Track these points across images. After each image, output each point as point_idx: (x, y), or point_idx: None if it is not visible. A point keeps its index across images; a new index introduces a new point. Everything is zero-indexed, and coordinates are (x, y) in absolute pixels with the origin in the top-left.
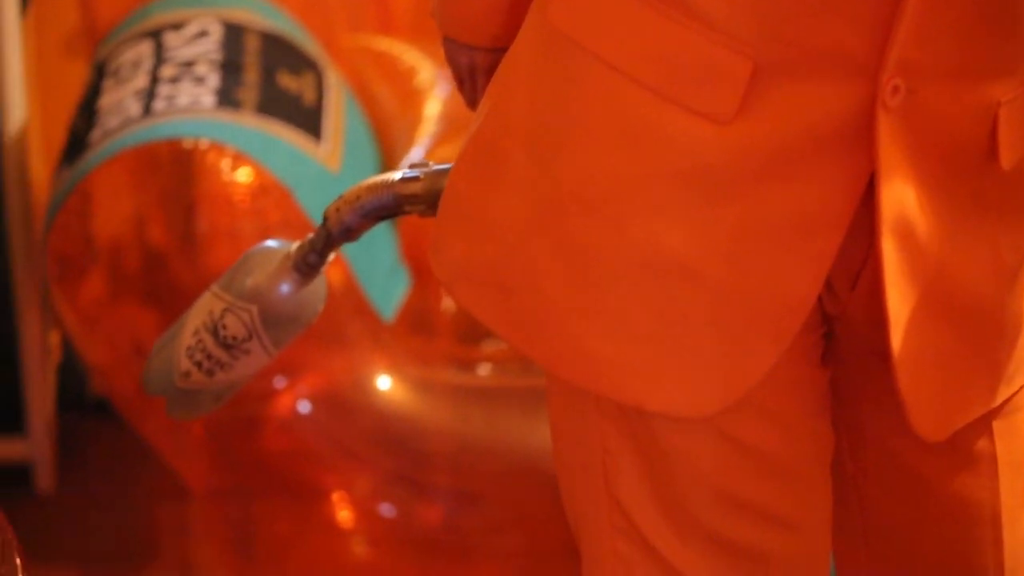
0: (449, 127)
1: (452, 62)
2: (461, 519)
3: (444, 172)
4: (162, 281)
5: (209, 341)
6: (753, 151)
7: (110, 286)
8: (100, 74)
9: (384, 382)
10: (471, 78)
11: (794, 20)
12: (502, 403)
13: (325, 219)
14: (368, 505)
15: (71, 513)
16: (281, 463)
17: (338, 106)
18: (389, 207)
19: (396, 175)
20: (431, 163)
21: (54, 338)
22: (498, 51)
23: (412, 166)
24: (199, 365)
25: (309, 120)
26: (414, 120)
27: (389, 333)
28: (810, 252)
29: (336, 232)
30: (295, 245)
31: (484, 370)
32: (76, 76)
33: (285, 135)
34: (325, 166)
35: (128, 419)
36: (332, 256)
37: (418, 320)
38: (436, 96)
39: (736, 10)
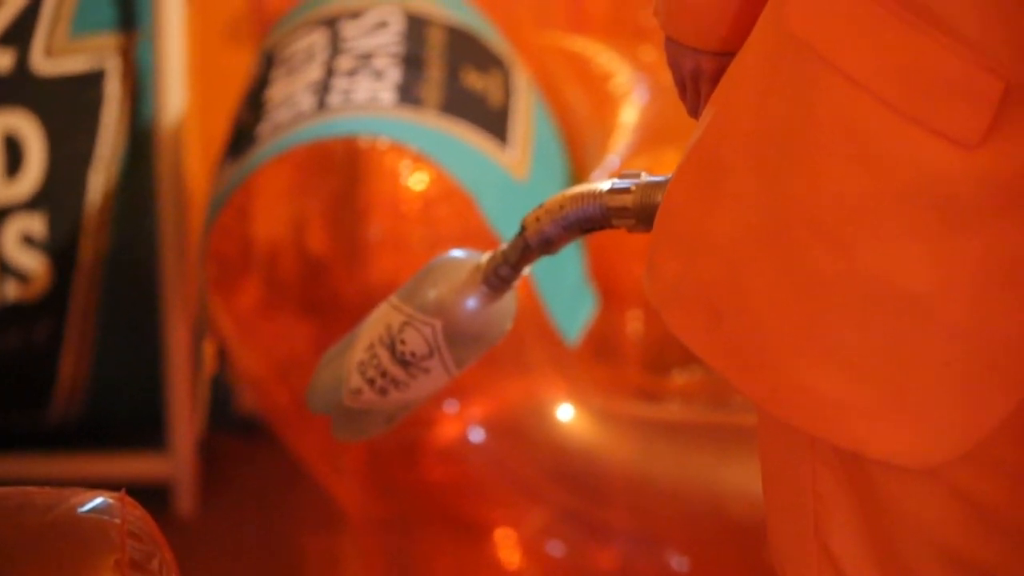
0: (646, 136)
1: (674, 66)
2: (638, 564)
3: (658, 184)
4: (321, 292)
5: (385, 357)
6: (1001, 179)
7: (266, 294)
8: (269, 63)
9: (564, 411)
10: (694, 84)
11: None
12: (691, 440)
13: (523, 228)
14: (536, 544)
15: (213, 539)
16: (445, 494)
17: (527, 109)
18: (595, 219)
19: (604, 185)
20: (643, 173)
21: (208, 348)
22: (726, 55)
23: (622, 175)
24: (371, 382)
25: (495, 123)
26: (608, 128)
27: (572, 359)
28: None
29: (534, 243)
30: (486, 256)
31: (673, 403)
32: (239, 65)
33: (469, 138)
34: (511, 173)
35: (282, 437)
36: (527, 270)
37: (603, 346)
38: (633, 102)
39: (989, 27)
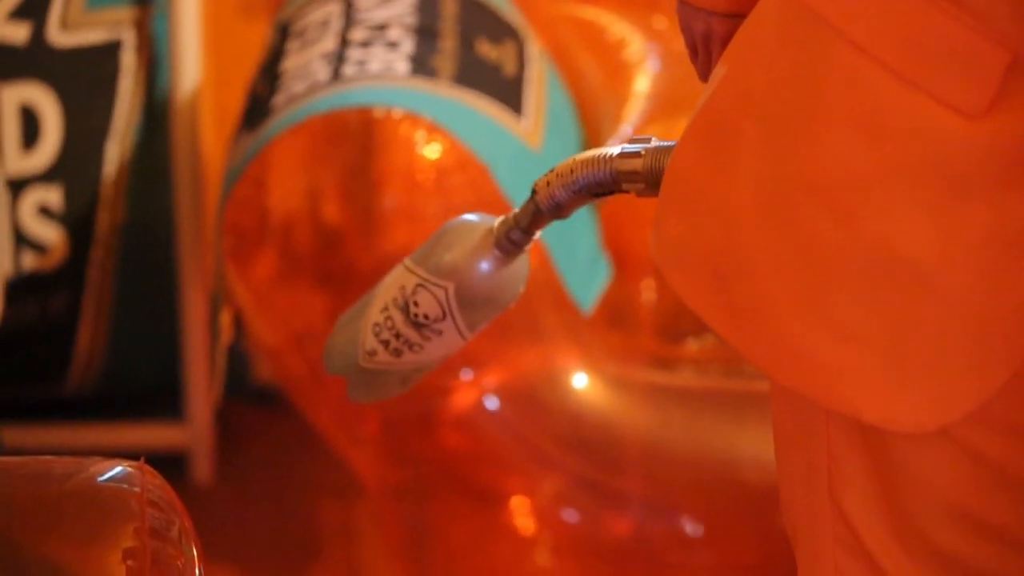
0: (659, 105)
1: (686, 29)
2: (651, 530)
3: (668, 149)
4: (337, 262)
5: (399, 318)
6: (1005, 150)
7: (282, 264)
8: (284, 35)
9: (579, 379)
10: (705, 47)
11: None
12: (704, 407)
13: (533, 192)
14: (551, 511)
15: (229, 507)
16: (461, 462)
17: (540, 79)
18: (605, 183)
19: (615, 149)
20: (653, 138)
21: (225, 318)
22: (737, 17)
23: (632, 140)
24: (386, 344)
25: (509, 93)
26: (622, 97)
27: (586, 327)
28: None
29: (545, 207)
30: (498, 220)
31: (686, 371)
32: (253, 37)
33: (483, 108)
34: (525, 143)
35: (298, 406)
36: (538, 234)
37: (617, 314)
38: (646, 71)
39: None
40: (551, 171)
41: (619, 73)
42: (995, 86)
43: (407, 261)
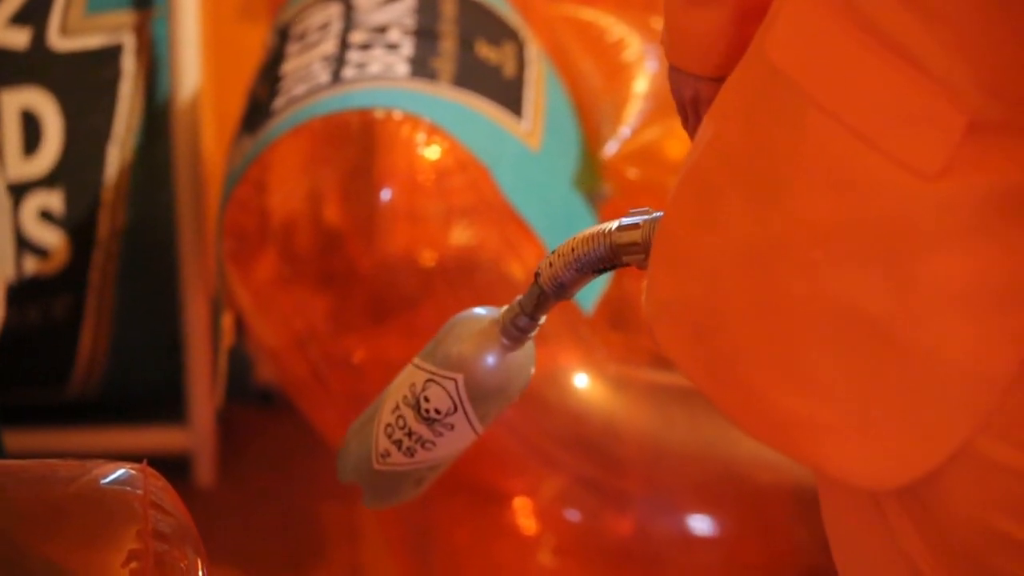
0: (658, 105)
1: (676, 93)
2: (654, 530)
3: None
4: (338, 263)
5: (410, 416)
6: (960, 210)
7: (283, 266)
8: (283, 38)
9: (581, 379)
10: (695, 111)
11: (1017, 81)
12: (706, 406)
13: (536, 276)
14: (554, 511)
15: (231, 509)
16: (463, 462)
17: (540, 80)
18: (606, 258)
19: (613, 224)
20: (651, 210)
21: (227, 320)
22: (723, 81)
23: (631, 213)
24: (399, 444)
25: (509, 94)
26: (621, 97)
27: (588, 327)
28: (1010, 326)
29: (549, 289)
30: (503, 309)
31: None
32: (252, 40)
33: (483, 109)
34: (525, 144)
35: (300, 408)
36: (544, 319)
37: (619, 314)
38: (645, 72)
39: (956, 63)
40: (552, 253)
41: (618, 74)
42: (951, 148)
43: (416, 359)
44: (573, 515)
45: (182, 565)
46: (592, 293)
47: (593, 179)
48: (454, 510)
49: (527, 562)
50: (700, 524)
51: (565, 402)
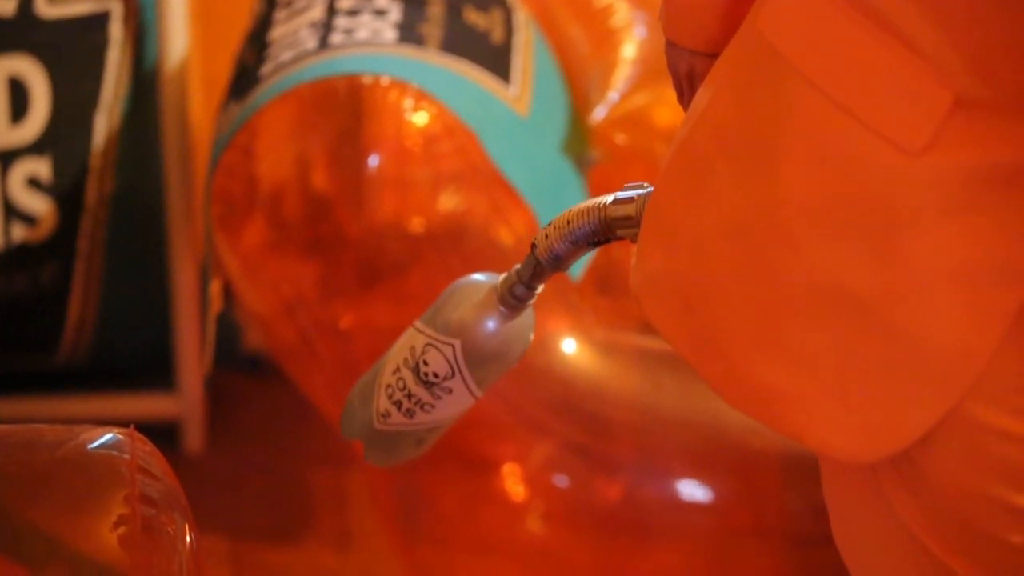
0: (646, 71)
1: (672, 68)
2: (643, 495)
3: None
4: (326, 229)
5: (410, 379)
6: (942, 186)
7: (271, 232)
8: (271, 4)
9: (569, 345)
10: (690, 85)
11: (1003, 61)
12: (695, 372)
13: (533, 247)
14: (542, 477)
15: (220, 477)
16: (452, 429)
17: (527, 46)
18: (600, 231)
19: (608, 198)
20: (646, 185)
21: (215, 287)
22: (717, 57)
23: (627, 187)
24: (398, 405)
25: (497, 60)
26: (609, 63)
27: (576, 293)
28: (993, 302)
29: (545, 261)
30: (502, 277)
31: None
32: (240, 7)
33: (471, 75)
34: (513, 109)
35: (289, 375)
36: (541, 288)
37: (606, 280)
38: (633, 37)
39: (943, 41)
40: (548, 224)
41: (606, 40)
42: (935, 125)
43: (416, 323)
44: (562, 481)
45: (170, 530)
46: (580, 259)
47: (581, 145)
48: (443, 476)
49: (516, 528)
50: (690, 489)
51: (553, 368)
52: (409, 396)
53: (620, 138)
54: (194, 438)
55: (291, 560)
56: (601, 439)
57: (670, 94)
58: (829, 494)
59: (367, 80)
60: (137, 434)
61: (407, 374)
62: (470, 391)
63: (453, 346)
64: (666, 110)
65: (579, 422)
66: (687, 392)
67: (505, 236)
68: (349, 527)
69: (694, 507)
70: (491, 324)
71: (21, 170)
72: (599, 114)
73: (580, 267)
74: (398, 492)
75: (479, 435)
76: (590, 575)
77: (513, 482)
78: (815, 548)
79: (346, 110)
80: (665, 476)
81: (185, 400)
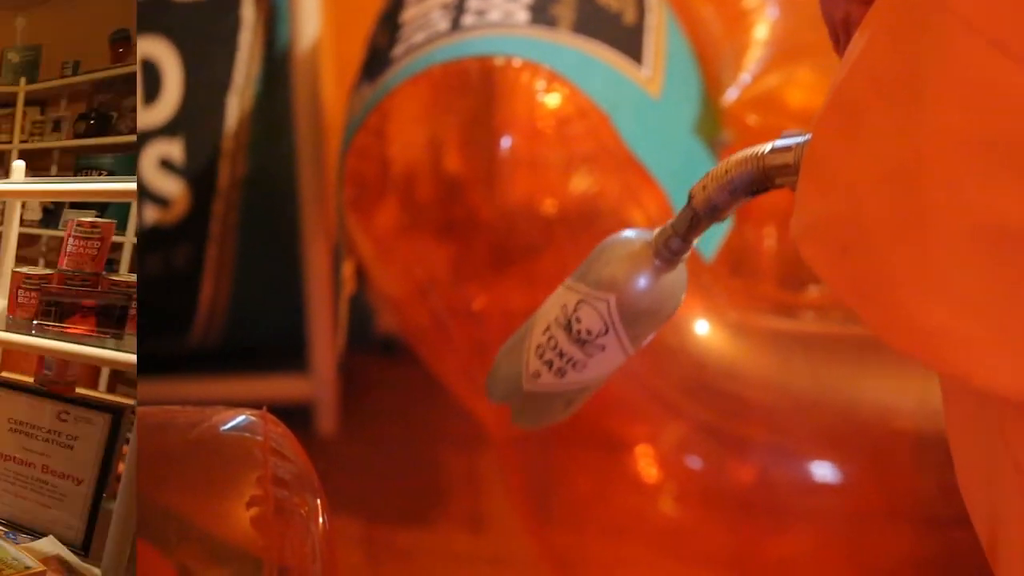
0: (778, 52)
1: (827, 16)
2: (776, 477)
3: None
4: (458, 211)
5: (562, 337)
6: None
7: (404, 214)
8: None
9: (701, 326)
10: (846, 33)
11: None
12: (828, 353)
13: (690, 198)
14: (675, 458)
15: (353, 459)
16: (584, 410)
17: (660, 27)
18: (759, 180)
19: (766, 147)
20: (804, 132)
21: (347, 269)
22: (872, 2)
23: (784, 135)
24: (549, 364)
25: (629, 41)
26: (741, 44)
27: (708, 274)
28: None
29: (702, 212)
30: (656, 231)
31: (807, 317)
32: None
33: (603, 56)
34: (646, 91)
35: (422, 356)
36: (697, 240)
37: (739, 261)
38: (765, 18)
39: None
40: (706, 175)
41: (738, 20)
42: None
43: (567, 281)
44: (695, 462)
45: (302, 511)
46: (712, 240)
47: (713, 126)
48: (575, 458)
49: (648, 510)
50: (822, 471)
51: (686, 349)
52: (561, 355)
53: (752, 119)
54: (327, 420)
55: (423, 541)
56: (734, 420)
57: (802, 75)
58: (952, 434)
59: (499, 62)
60: (270, 416)
61: (559, 333)
62: (623, 348)
63: (608, 301)
64: (798, 91)
65: (712, 403)
66: (819, 373)
67: (637, 218)
68: (481, 509)
69: (826, 488)
70: (646, 279)
71: (154, 152)
72: (731, 95)
73: (713, 249)
74: (530, 474)
75: (612, 416)
76: (722, 556)
77: (646, 463)
78: (947, 530)
79: (478, 92)
80: (797, 457)
81: (318, 382)
